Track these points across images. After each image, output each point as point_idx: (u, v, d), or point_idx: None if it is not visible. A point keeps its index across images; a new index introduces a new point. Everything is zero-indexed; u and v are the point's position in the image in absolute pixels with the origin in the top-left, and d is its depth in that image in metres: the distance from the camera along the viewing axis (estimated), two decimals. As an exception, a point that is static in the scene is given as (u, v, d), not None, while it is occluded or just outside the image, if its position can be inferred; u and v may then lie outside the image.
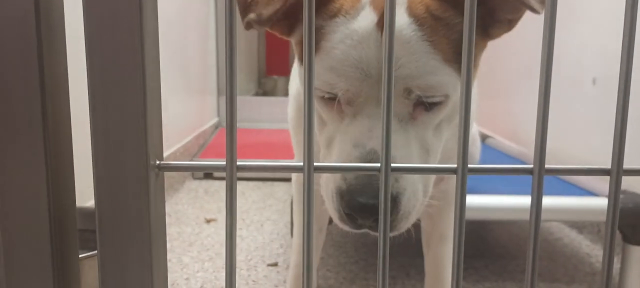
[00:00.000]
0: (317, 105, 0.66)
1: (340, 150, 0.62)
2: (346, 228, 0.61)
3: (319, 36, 0.62)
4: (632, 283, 1.10)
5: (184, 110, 2.28)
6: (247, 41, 3.87)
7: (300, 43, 0.68)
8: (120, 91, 0.35)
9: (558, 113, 1.67)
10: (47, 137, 0.37)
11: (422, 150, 0.63)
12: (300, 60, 0.69)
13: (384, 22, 0.33)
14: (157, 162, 0.37)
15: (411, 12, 0.60)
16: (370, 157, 0.58)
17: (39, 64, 0.35)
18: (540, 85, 0.34)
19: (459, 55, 0.60)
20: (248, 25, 0.60)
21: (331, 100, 0.62)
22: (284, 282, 1.25)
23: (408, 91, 0.59)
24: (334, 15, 0.62)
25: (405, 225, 0.61)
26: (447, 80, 0.60)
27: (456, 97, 0.62)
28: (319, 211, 0.95)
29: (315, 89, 0.63)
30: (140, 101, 0.35)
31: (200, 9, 2.57)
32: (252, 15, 0.59)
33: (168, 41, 1.95)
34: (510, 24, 0.65)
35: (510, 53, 2.10)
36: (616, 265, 1.24)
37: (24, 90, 0.36)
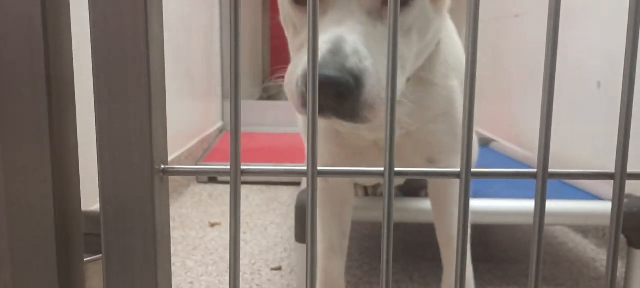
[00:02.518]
0: (290, 13, 0.66)
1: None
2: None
3: None
4: (636, 287, 1.09)
5: (189, 114, 2.28)
6: (252, 45, 3.88)
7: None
8: (126, 95, 0.36)
9: (562, 117, 1.67)
10: (54, 141, 0.38)
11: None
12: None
13: None
14: (162, 166, 0.37)
15: None
16: (335, 41, 0.57)
17: (46, 69, 0.36)
18: (543, 88, 0.34)
19: None
20: None
21: (303, 4, 0.63)
22: (288, 286, 1.24)
23: None
24: None
25: (369, 115, 0.59)
26: None
27: (424, 4, 0.63)
28: (342, 216, 0.94)
29: None
30: (145, 105, 0.35)
31: (204, 14, 2.58)
32: None
33: (173, 46, 1.96)
34: None
35: (514, 56, 2.10)
36: (621, 269, 1.24)
37: (31, 95, 0.36)
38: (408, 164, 0.85)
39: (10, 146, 0.37)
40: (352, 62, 0.56)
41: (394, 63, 0.34)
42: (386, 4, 0.60)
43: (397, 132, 0.79)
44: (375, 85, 0.58)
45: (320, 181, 0.91)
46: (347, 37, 0.58)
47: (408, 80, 0.72)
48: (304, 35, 0.64)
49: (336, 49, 0.56)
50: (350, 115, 0.58)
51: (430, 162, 0.85)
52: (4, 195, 0.38)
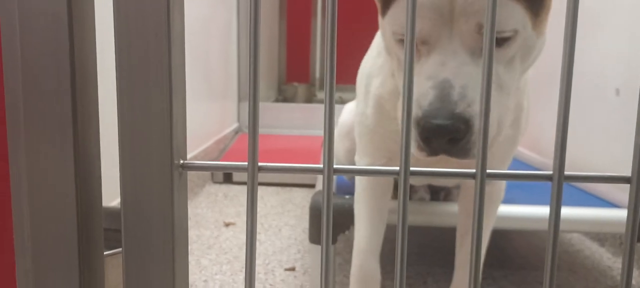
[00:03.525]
0: (397, 50, 0.70)
1: (416, 86, 0.64)
2: (423, 155, 0.64)
3: None
4: (654, 297, 1.08)
5: (205, 115, 2.30)
6: (268, 48, 3.90)
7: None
8: (147, 92, 0.36)
9: (581, 124, 1.65)
10: (77, 136, 0.39)
11: (495, 85, 0.65)
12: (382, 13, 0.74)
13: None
14: (181, 161, 0.38)
15: None
16: (442, 86, 0.61)
17: (71, 66, 0.37)
18: (560, 89, 0.34)
19: None
20: None
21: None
22: (301, 287, 1.25)
23: (479, 26, 0.61)
24: None
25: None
26: (515, 15, 0.63)
27: (526, 34, 0.65)
28: (382, 215, 0.95)
29: (394, 33, 0.69)
30: (166, 102, 0.36)
31: (222, 16, 2.60)
32: None
33: (191, 47, 1.98)
34: None
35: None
36: (637, 278, 1.22)
37: (56, 91, 0.37)
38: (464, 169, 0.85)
39: (35, 140, 0.39)
40: (461, 108, 0.60)
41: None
42: None
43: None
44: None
45: (369, 179, 0.93)
46: (453, 81, 0.61)
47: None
48: None
49: (444, 96, 0.60)
50: (462, 154, 0.62)
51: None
52: (27, 188, 0.39)
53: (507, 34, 0.63)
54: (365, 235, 0.94)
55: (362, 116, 0.89)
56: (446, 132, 0.59)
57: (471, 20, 0.61)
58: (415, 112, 0.62)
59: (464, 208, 0.98)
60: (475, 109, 0.61)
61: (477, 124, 0.59)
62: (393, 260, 1.39)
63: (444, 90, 0.61)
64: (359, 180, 0.97)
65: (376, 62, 0.86)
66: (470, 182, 0.94)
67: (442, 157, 0.81)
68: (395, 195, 1.34)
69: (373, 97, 0.85)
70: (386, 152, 0.87)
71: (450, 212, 1.09)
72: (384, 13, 0.72)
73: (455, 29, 0.63)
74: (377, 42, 0.90)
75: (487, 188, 0.92)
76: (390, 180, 0.97)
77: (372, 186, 0.94)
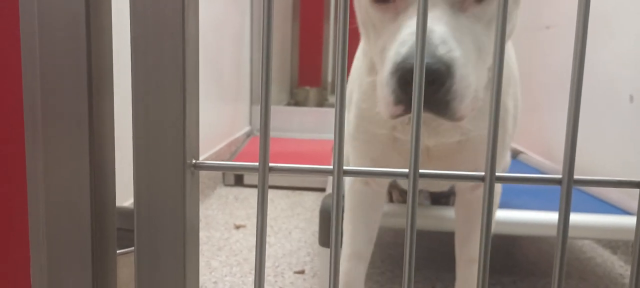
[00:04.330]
0: (371, 13, 0.65)
1: (396, 41, 0.59)
2: (400, 110, 0.58)
3: None
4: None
5: (217, 117, 2.31)
6: (280, 52, 3.91)
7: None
8: (162, 92, 0.37)
9: (594, 130, 1.64)
10: (93, 136, 0.39)
11: (474, 45, 0.61)
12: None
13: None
14: (193, 161, 0.39)
15: None
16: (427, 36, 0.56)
17: (88, 66, 0.38)
18: (570, 90, 0.34)
19: None
20: None
21: (384, 2, 0.62)
22: (311, 289, 1.25)
23: None
24: None
25: (459, 106, 0.57)
26: None
27: None
28: (372, 222, 0.94)
29: None
30: (180, 102, 0.37)
31: (235, 20, 2.61)
32: None
33: (204, 49, 2.00)
34: None
35: (545, 68, 2.08)
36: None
37: (73, 91, 0.38)
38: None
39: (51, 139, 0.39)
40: (442, 51, 0.55)
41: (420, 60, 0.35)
42: None
43: (457, 137, 0.78)
44: (465, 76, 0.57)
45: (360, 183, 0.92)
46: (434, 27, 0.57)
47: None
48: (388, 34, 0.63)
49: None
50: (441, 106, 0.56)
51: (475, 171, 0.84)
52: (44, 186, 0.40)
53: None
54: (353, 245, 0.93)
55: (347, 123, 0.89)
56: (427, 71, 0.53)
57: None
58: (394, 59, 0.56)
59: (461, 214, 0.96)
60: (456, 55, 0.56)
61: (459, 71, 0.55)
62: (401, 265, 1.39)
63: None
64: (347, 198, 0.95)
65: (358, 69, 0.84)
66: (468, 188, 0.93)
67: (444, 159, 0.78)
68: (391, 199, 1.33)
69: (355, 102, 0.84)
70: (367, 160, 0.86)
71: (461, 217, 1.08)
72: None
73: None
74: (358, 53, 0.88)
75: (480, 193, 0.91)
76: (382, 194, 0.96)
77: (366, 194, 0.93)
